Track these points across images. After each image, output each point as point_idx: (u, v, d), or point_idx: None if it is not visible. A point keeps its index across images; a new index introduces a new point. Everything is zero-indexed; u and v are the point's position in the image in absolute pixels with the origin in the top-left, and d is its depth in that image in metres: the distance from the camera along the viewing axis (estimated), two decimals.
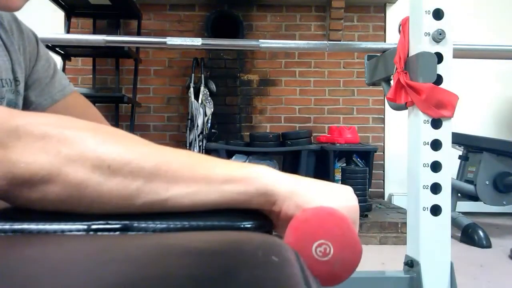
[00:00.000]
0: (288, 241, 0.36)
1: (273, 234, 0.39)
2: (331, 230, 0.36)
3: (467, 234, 2.43)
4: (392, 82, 1.25)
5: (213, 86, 3.16)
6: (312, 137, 3.06)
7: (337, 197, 0.41)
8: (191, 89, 3.07)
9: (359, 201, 0.42)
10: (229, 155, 2.93)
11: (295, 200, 0.38)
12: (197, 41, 1.54)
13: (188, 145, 3.02)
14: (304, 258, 0.35)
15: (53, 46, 2.81)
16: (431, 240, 1.14)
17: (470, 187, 2.56)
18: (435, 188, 1.15)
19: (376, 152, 3.00)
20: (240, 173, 0.37)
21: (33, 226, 0.32)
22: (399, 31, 1.24)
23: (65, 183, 0.32)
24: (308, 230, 0.36)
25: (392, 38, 3.21)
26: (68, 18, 3.11)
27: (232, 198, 0.37)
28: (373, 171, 3.04)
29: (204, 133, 3.06)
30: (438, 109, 1.14)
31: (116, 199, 0.34)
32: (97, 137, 0.34)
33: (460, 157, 2.75)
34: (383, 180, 3.41)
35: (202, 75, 3.12)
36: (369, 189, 2.82)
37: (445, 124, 1.15)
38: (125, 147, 0.35)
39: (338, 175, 2.85)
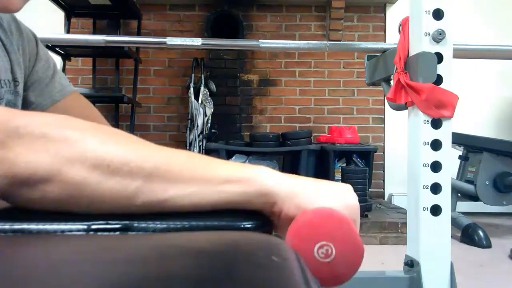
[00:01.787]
0: (290, 243, 0.36)
1: (273, 234, 0.39)
2: (332, 231, 0.36)
3: (467, 234, 2.43)
4: (392, 82, 1.25)
5: (213, 86, 3.16)
6: (312, 137, 3.06)
7: (337, 197, 0.40)
8: (191, 89, 3.07)
9: (359, 201, 0.42)
10: (229, 155, 2.93)
11: (295, 200, 0.38)
12: (197, 41, 1.54)
13: (188, 145, 3.02)
14: (306, 260, 0.35)
15: (53, 46, 2.81)
16: (431, 240, 1.14)
17: (470, 187, 2.56)
18: (435, 188, 1.15)
19: (376, 152, 3.00)
20: (239, 174, 0.37)
21: (33, 226, 0.32)
22: (399, 31, 1.24)
23: (65, 182, 0.32)
24: (309, 232, 0.36)
25: (392, 38, 3.21)
26: (68, 18, 3.11)
27: (231, 199, 0.37)
28: (373, 171, 3.04)
29: (204, 133, 3.06)
30: (438, 109, 1.14)
31: (115, 199, 0.34)
32: (97, 137, 0.35)
33: (460, 157, 2.75)
34: (383, 180, 3.41)
35: (202, 75, 3.12)
36: (369, 189, 2.82)
37: (445, 124, 1.15)
38: (124, 147, 0.35)
39: (338, 175, 2.85)
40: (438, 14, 1.13)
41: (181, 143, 3.20)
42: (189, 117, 3.07)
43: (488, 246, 2.35)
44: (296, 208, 0.38)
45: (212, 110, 3.11)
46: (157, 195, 0.35)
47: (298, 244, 0.36)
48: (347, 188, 0.42)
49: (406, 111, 1.25)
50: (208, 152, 2.89)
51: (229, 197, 0.37)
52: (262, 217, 0.38)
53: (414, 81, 1.16)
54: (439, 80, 1.14)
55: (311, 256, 0.36)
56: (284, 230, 0.38)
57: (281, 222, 0.39)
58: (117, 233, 0.33)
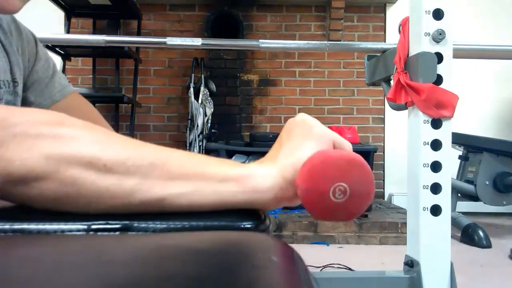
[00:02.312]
0: (305, 186, 0.37)
1: (273, 235, 0.39)
2: (346, 171, 0.37)
3: (467, 234, 2.43)
4: (392, 82, 1.25)
5: (213, 86, 3.16)
6: None
7: (315, 141, 0.41)
8: (191, 89, 3.07)
9: None
10: (229, 155, 2.93)
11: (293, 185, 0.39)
12: (197, 41, 1.54)
13: (188, 145, 3.02)
14: (322, 201, 0.36)
15: (53, 46, 2.81)
16: (431, 240, 1.14)
17: (470, 187, 2.56)
18: (435, 188, 1.15)
19: (376, 152, 3.00)
20: (237, 172, 0.37)
21: (33, 226, 0.32)
22: (399, 31, 1.24)
23: (61, 181, 0.32)
24: (324, 175, 0.37)
25: (392, 38, 3.21)
26: (68, 18, 3.11)
27: (229, 197, 0.37)
28: (373, 171, 3.03)
29: (204, 133, 3.06)
30: (438, 109, 1.14)
31: (112, 197, 0.34)
32: (93, 136, 0.35)
33: (460, 157, 2.75)
34: (383, 180, 3.41)
35: (202, 75, 3.12)
36: None
37: (445, 124, 1.15)
38: (121, 146, 0.35)
39: None
40: (438, 14, 1.13)
41: (181, 143, 3.20)
42: (189, 117, 3.07)
43: (488, 246, 2.35)
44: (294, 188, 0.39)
45: (212, 110, 3.11)
46: (155, 194, 0.35)
47: (313, 186, 0.37)
48: (306, 122, 0.43)
49: (406, 111, 1.25)
50: (208, 152, 2.89)
51: (227, 196, 0.37)
52: (262, 217, 0.38)
53: (414, 81, 1.16)
54: (439, 80, 1.14)
55: (327, 197, 0.37)
56: (293, 197, 0.39)
57: (281, 204, 0.40)
58: (117, 233, 0.33)
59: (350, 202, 0.37)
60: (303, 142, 0.41)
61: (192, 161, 0.38)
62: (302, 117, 0.43)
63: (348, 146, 0.44)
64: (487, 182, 2.53)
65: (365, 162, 0.38)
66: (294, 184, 0.38)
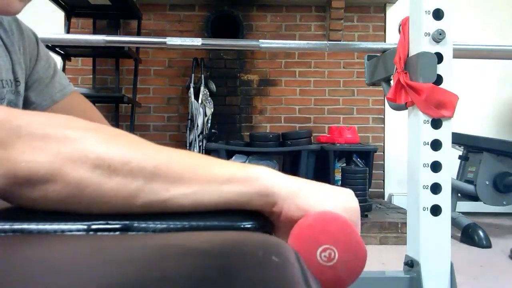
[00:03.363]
0: (292, 246, 0.36)
1: (273, 235, 0.39)
2: (335, 234, 0.36)
3: (467, 234, 2.43)
4: (392, 82, 1.25)
5: (213, 86, 3.16)
6: (312, 137, 3.06)
7: (337, 199, 0.40)
8: (191, 89, 3.08)
9: (359, 201, 0.42)
10: (229, 155, 2.93)
11: (296, 201, 0.38)
12: (197, 41, 1.54)
13: (188, 145, 3.02)
14: (309, 264, 0.35)
15: (53, 46, 2.81)
16: (431, 240, 1.14)
17: (470, 187, 2.56)
18: (435, 188, 1.15)
19: (376, 152, 3.00)
20: (240, 174, 0.37)
21: (33, 226, 0.32)
22: (399, 31, 1.24)
23: (66, 182, 0.32)
24: (312, 235, 0.36)
25: (392, 38, 3.21)
26: (68, 18, 3.11)
27: (232, 199, 0.37)
28: (373, 171, 3.04)
29: (204, 133, 3.06)
30: (438, 109, 1.14)
31: (116, 198, 0.34)
32: (98, 137, 0.35)
33: (460, 157, 2.75)
34: (383, 180, 3.41)
35: (202, 75, 3.12)
36: (369, 189, 2.82)
37: (445, 124, 1.15)
38: (125, 147, 0.35)
39: (338, 175, 2.85)
40: (438, 14, 1.13)
41: (181, 143, 3.20)
42: (189, 117, 3.07)
43: (488, 246, 2.35)
44: (297, 209, 0.38)
45: (212, 110, 3.11)
46: (158, 195, 0.35)
47: (300, 247, 0.36)
48: (348, 192, 0.42)
49: (406, 111, 1.25)
50: (208, 152, 2.89)
51: (230, 197, 0.37)
52: (262, 217, 0.38)
53: (414, 81, 1.16)
54: (439, 80, 1.14)
55: (313, 259, 0.36)
56: (284, 230, 0.38)
57: (281, 223, 0.39)
58: (117, 233, 0.33)
59: (338, 266, 0.36)
60: (328, 195, 0.40)
61: (195, 162, 0.37)
62: (349, 190, 0.42)
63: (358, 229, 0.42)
64: (487, 182, 2.53)
65: (353, 227, 0.37)
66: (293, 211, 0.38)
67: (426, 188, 1.14)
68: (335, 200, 0.40)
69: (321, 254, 0.36)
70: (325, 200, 0.39)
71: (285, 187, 0.38)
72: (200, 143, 3.03)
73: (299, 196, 0.39)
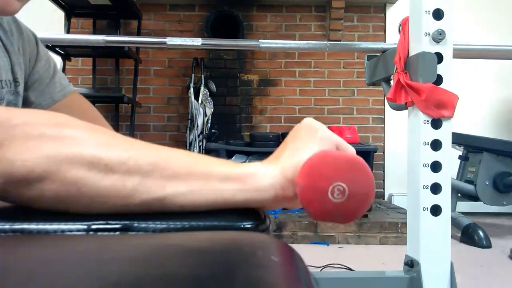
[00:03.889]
0: (304, 184, 0.36)
1: (273, 235, 0.39)
2: (346, 171, 0.37)
3: (467, 234, 2.43)
4: (392, 82, 1.25)
5: (213, 86, 3.16)
6: None
7: (316, 143, 0.41)
8: (191, 89, 3.07)
9: None
10: (229, 155, 2.93)
11: (292, 185, 0.39)
12: (197, 41, 1.54)
13: (188, 145, 3.02)
14: (321, 201, 0.36)
15: (53, 46, 2.81)
16: (431, 240, 1.14)
17: (470, 187, 2.56)
18: (435, 188, 1.15)
19: (376, 152, 3.00)
20: (237, 172, 0.38)
21: (33, 226, 0.32)
22: (399, 31, 1.24)
23: (62, 181, 0.32)
24: (323, 173, 0.37)
25: (392, 38, 3.21)
26: (68, 18, 3.11)
27: (230, 197, 0.37)
28: (373, 171, 3.03)
29: (204, 133, 3.06)
30: (438, 109, 1.14)
31: (113, 197, 0.34)
32: (94, 136, 0.35)
33: (460, 157, 2.75)
34: (383, 180, 3.41)
35: (202, 75, 3.12)
36: None
37: (445, 124, 1.15)
38: (122, 146, 0.35)
39: None
40: (438, 14, 1.13)
41: (181, 143, 3.20)
42: (189, 117, 3.07)
43: (488, 246, 2.35)
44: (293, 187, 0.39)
45: (212, 110, 3.11)
46: (155, 193, 0.35)
47: (312, 185, 0.36)
48: (311, 125, 0.43)
49: (406, 111, 1.25)
50: (208, 152, 2.89)
51: (228, 195, 0.37)
52: (262, 217, 0.38)
53: (414, 81, 1.16)
54: (439, 80, 1.14)
55: (325, 197, 0.36)
56: (294, 200, 0.39)
57: (281, 204, 0.40)
58: (117, 233, 0.33)
59: (348, 202, 0.37)
60: (306, 144, 0.41)
61: (193, 160, 0.38)
62: (307, 121, 0.44)
63: (352, 151, 0.44)
64: (487, 182, 2.53)
65: (365, 163, 0.38)
66: (294, 183, 0.38)
67: (426, 188, 1.14)
68: (322, 146, 0.41)
69: (332, 192, 0.36)
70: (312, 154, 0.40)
71: (280, 179, 0.39)
72: (200, 143, 3.03)
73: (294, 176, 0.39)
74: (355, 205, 0.37)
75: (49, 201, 0.33)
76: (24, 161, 0.32)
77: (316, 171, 0.37)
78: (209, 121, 3.10)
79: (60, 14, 3.13)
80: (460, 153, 2.76)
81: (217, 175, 0.37)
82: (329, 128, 2.76)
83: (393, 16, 3.38)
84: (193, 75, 3.11)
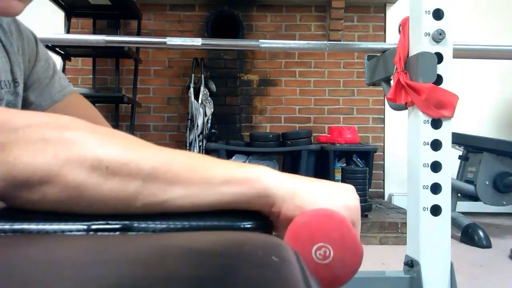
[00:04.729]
0: (288, 244, 0.36)
1: (273, 235, 0.39)
2: (330, 232, 0.36)
3: (467, 234, 2.43)
4: (392, 82, 1.25)
5: (213, 86, 3.16)
6: (312, 137, 3.06)
7: (337, 197, 0.40)
8: (191, 89, 3.08)
9: (359, 201, 0.42)
10: (229, 155, 2.93)
11: (295, 201, 0.38)
12: (197, 41, 1.54)
13: (188, 145, 3.02)
14: (304, 262, 0.35)
15: (53, 46, 2.81)
16: (431, 240, 1.14)
17: (470, 187, 2.56)
18: (435, 188, 1.15)
19: (376, 152, 3.00)
20: (239, 174, 0.37)
21: (33, 226, 0.32)
22: (399, 31, 1.24)
23: (64, 184, 0.32)
24: (307, 233, 0.36)
25: (392, 38, 3.21)
26: (68, 18, 3.11)
27: (231, 200, 0.37)
28: (373, 171, 3.04)
29: (204, 133, 3.06)
30: (438, 109, 1.14)
31: (115, 200, 0.34)
32: (96, 138, 0.34)
33: (460, 157, 2.75)
34: (383, 180, 3.41)
35: (202, 75, 3.12)
36: (369, 189, 2.82)
37: (445, 124, 1.15)
38: (123, 148, 0.35)
39: (338, 175, 2.85)
40: (438, 14, 1.13)
41: (181, 143, 3.20)
42: (189, 117, 3.07)
43: (488, 246, 2.35)
44: (296, 208, 0.38)
45: (212, 110, 3.11)
46: (157, 196, 0.35)
47: (296, 245, 0.35)
48: (348, 188, 0.42)
49: (406, 111, 1.25)
50: (208, 152, 2.89)
51: (229, 198, 0.37)
52: (262, 217, 0.38)
53: (414, 81, 1.16)
54: (439, 80, 1.14)
55: (309, 257, 0.35)
56: (283, 230, 0.38)
57: (280, 223, 0.39)
58: (117, 233, 0.33)
59: (334, 264, 0.36)
60: (328, 193, 0.40)
61: (194, 162, 0.37)
62: (351, 187, 0.42)
63: (358, 229, 0.42)
64: (487, 182, 2.53)
65: (351, 225, 0.37)
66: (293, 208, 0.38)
67: (426, 188, 1.14)
68: (334, 199, 0.40)
69: (316, 252, 0.35)
70: (324, 199, 0.39)
71: (283, 187, 0.38)
72: (200, 143, 3.03)
73: (298, 195, 0.38)
74: (341, 266, 0.36)
75: (51, 203, 0.33)
76: (26, 164, 0.32)
77: (299, 233, 0.36)
78: (209, 121, 3.10)
79: (60, 14, 3.13)
80: (460, 153, 2.76)
81: (219, 178, 0.37)
82: (329, 128, 2.74)
83: (393, 16, 3.38)
84: (193, 75, 3.11)
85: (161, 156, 0.36)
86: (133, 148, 0.36)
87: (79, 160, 0.33)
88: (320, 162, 2.93)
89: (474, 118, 3.27)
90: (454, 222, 2.45)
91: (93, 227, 0.33)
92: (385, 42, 3.25)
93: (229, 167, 0.38)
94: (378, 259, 2.14)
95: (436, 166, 1.15)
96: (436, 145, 1.15)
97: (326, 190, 0.40)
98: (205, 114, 3.06)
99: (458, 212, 2.66)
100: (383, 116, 3.41)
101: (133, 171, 0.34)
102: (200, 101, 3.04)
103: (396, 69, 1.21)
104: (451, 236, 1.18)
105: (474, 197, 2.58)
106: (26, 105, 0.71)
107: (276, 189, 0.38)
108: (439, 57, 1.14)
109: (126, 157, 0.34)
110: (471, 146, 2.68)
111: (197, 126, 3.01)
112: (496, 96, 3.41)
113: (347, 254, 0.36)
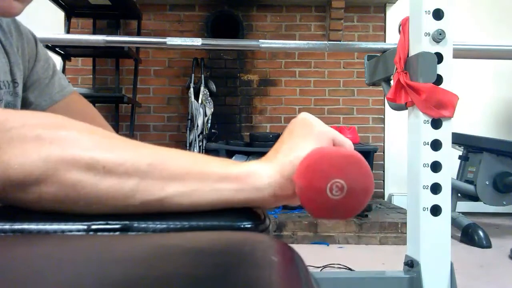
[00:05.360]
0: (302, 183, 0.36)
1: (273, 235, 0.39)
2: (343, 167, 0.37)
3: (467, 234, 2.43)
4: (392, 82, 1.25)
5: (213, 86, 3.16)
6: None
7: (313, 141, 0.41)
8: (191, 89, 3.08)
9: None
10: (229, 155, 2.93)
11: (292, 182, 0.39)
12: (197, 41, 1.54)
13: (188, 145, 3.02)
14: (320, 200, 0.36)
15: (53, 46, 2.81)
16: (431, 240, 1.14)
17: (470, 187, 2.56)
18: (435, 188, 1.15)
19: (376, 152, 3.00)
20: (235, 171, 0.37)
21: (33, 226, 0.32)
22: (399, 31, 1.24)
23: (60, 184, 0.32)
24: (320, 171, 0.37)
25: (392, 38, 3.21)
26: (68, 18, 3.11)
27: (228, 196, 0.37)
28: (373, 171, 3.03)
29: (204, 133, 3.06)
30: (438, 109, 1.14)
31: (112, 199, 0.34)
32: (92, 138, 0.34)
33: (460, 157, 2.75)
34: (383, 180, 3.41)
35: (202, 75, 3.12)
36: None
37: (445, 124, 1.15)
38: (119, 148, 0.35)
39: None
40: (438, 14, 1.13)
41: (181, 143, 3.20)
42: (189, 117, 3.07)
43: (488, 246, 2.35)
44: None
45: (212, 110, 3.11)
46: (154, 194, 0.35)
47: (310, 183, 0.36)
48: (307, 121, 0.44)
49: (406, 111, 1.25)
50: (208, 152, 2.89)
51: (227, 195, 0.37)
52: (262, 217, 0.38)
53: (414, 81, 1.16)
54: (439, 80, 1.14)
55: (323, 194, 0.36)
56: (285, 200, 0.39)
57: (281, 202, 0.40)
58: (117, 233, 0.33)
59: (348, 199, 0.37)
60: (303, 140, 0.41)
61: (191, 160, 0.37)
62: (303, 116, 0.44)
63: (349, 144, 0.44)
64: (487, 182, 2.53)
65: (362, 158, 0.38)
66: (293, 181, 0.38)
67: (426, 188, 1.14)
68: (313, 143, 0.41)
69: (330, 189, 0.36)
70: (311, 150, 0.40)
71: (279, 178, 0.39)
72: (200, 143, 3.03)
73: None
74: (354, 200, 0.37)
75: (48, 203, 0.33)
76: (21, 164, 0.32)
77: (313, 170, 0.37)
78: (209, 121, 3.10)
79: (60, 14, 3.13)
80: (460, 153, 2.76)
81: (215, 175, 0.37)
82: None
83: (393, 16, 3.38)
84: (193, 75, 3.11)
85: (157, 154, 0.36)
86: (129, 147, 0.36)
87: (75, 160, 0.33)
88: None
89: (474, 118, 3.27)
90: (454, 222, 2.45)
91: (93, 227, 0.33)
92: (385, 42, 3.25)
93: (225, 164, 0.38)
94: (378, 259, 2.14)
95: (436, 166, 1.15)
96: (436, 145, 1.15)
97: (303, 146, 0.41)
98: (205, 114, 3.07)
99: (458, 212, 2.66)
100: (383, 116, 3.41)
101: (130, 170, 0.34)
102: (200, 101, 3.04)
103: (396, 69, 1.21)
104: (451, 236, 1.18)
105: (474, 197, 2.58)
106: (26, 105, 0.71)
107: (272, 179, 0.39)
108: (439, 57, 1.14)
109: (123, 155, 0.34)
110: (471, 146, 2.68)
111: (197, 126, 3.01)
112: (496, 96, 3.40)
113: (360, 185, 0.37)
